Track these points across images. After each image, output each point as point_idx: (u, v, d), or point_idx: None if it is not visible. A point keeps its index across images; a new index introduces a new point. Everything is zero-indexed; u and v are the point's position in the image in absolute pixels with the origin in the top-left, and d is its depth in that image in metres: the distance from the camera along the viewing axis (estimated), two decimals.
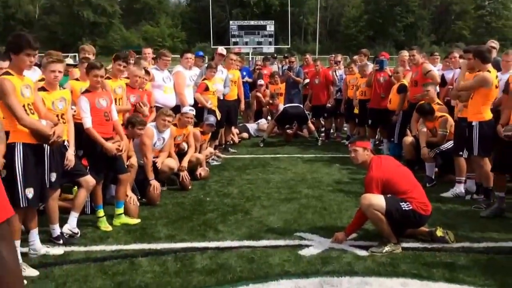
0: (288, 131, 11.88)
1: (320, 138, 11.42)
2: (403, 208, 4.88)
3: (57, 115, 5.00)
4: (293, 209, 6.31)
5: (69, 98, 5.32)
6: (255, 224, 5.74)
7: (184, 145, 7.73)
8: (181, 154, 7.60)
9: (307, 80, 12.65)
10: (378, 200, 4.87)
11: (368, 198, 4.90)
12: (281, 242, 5.14)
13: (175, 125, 7.53)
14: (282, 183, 7.64)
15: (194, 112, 7.78)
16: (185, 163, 7.39)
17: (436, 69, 9.34)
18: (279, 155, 9.99)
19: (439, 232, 5.07)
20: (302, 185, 7.55)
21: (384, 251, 4.80)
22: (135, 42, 60.23)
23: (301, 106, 11.76)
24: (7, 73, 4.36)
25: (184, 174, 7.28)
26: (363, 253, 4.83)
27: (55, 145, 4.65)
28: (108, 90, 5.95)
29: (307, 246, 5.02)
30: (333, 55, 13.06)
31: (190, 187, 7.26)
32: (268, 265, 4.57)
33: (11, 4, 67.98)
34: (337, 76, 11.88)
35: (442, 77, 8.84)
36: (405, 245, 4.97)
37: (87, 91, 5.58)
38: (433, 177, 7.46)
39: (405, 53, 10.07)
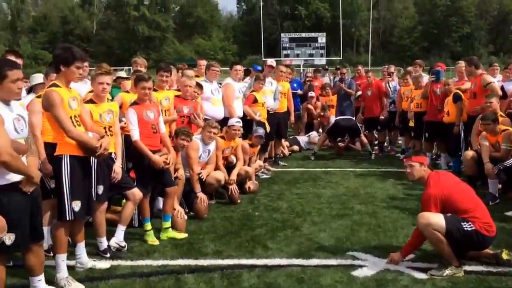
0: (339, 144, 11.57)
1: (374, 152, 11.05)
2: (465, 229, 4.52)
3: (105, 128, 4.98)
4: (345, 226, 6.04)
5: (117, 110, 5.29)
6: (305, 241, 5.51)
7: (233, 158, 7.60)
8: (229, 167, 7.46)
9: (359, 92, 12.32)
10: (437, 219, 4.54)
11: (426, 217, 4.58)
12: (332, 262, 4.89)
13: (222, 137, 7.42)
14: (333, 198, 7.36)
15: (241, 124, 7.64)
16: (233, 176, 7.25)
17: (496, 80, 8.86)
18: (330, 168, 9.70)
19: (505, 255, 4.68)
20: (354, 200, 7.25)
21: (444, 274, 4.46)
22: (187, 55, 61.34)
23: (353, 118, 11.45)
24: (54, 85, 4.35)
25: (233, 188, 7.12)
26: (421, 276, 4.50)
27: (102, 158, 4.59)
28: (155, 102, 5.90)
29: (361, 266, 4.74)
30: (386, 66, 12.69)
31: (239, 201, 7.10)
32: (319, 286, 4.33)
33: (70, 20, 71.00)
34: (390, 87, 11.51)
35: (502, 88, 8.35)
36: (467, 268, 4.61)
37: (135, 103, 5.54)
38: (496, 194, 7.00)
39: (462, 64, 9.64)
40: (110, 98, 5.78)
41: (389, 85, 11.58)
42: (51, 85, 4.40)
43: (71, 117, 4.31)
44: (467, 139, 8.46)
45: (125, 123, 5.62)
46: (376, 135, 12.10)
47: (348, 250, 5.20)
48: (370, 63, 47.21)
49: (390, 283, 4.36)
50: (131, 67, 7.75)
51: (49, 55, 52.85)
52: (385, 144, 11.90)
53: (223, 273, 4.63)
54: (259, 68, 10.81)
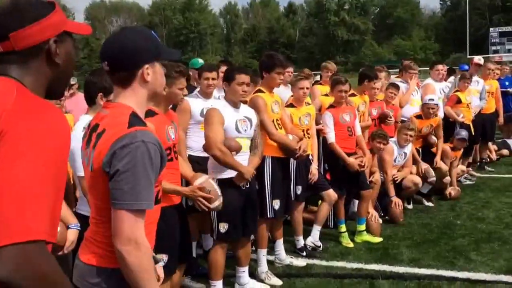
0: None
1: None
2: None
3: (303, 130, 5.15)
4: None
5: (314, 113, 5.44)
6: None
7: (434, 138, 7.28)
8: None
9: None
10: None
11: None
12: None
13: (419, 117, 7.18)
14: None
15: (435, 102, 7.23)
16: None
17: None
18: None
19: None
20: None
21: None
22: (386, 57, 60.27)
23: None
24: (259, 90, 4.65)
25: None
26: None
27: (300, 159, 4.76)
28: (352, 106, 5.91)
29: None
30: None
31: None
32: None
33: (276, 30, 75.62)
34: None
35: None
36: None
37: (331, 106, 5.63)
38: None
39: None
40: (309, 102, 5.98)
41: None
42: (256, 91, 4.71)
43: (273, 121, 4.56)
44: None
45: (323, 126, 5.74)
46: None
47: None
48: None
49: None
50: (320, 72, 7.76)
51: (256, 63, 57.09)
52: None
53: (420, 282, 4.44)
54: (466, 67, 10.11)
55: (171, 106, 3.50)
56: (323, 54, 67.97)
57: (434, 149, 7.36)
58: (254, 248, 4.82)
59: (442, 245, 5.40)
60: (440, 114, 8.10)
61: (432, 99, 7.26)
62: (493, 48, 36.87)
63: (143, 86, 1.85)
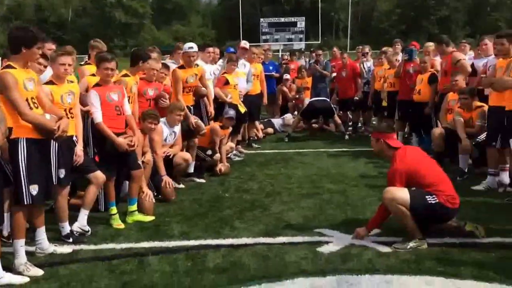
0: (314, 125, 11.56)
1: (347, 132, 11.06)
2: (429, 202, 4.53)
3: (65, 110, 4.85)
4: (314, 204, 6.03)
5: (78, 91, 5.17)
6: (273, 220, 5.48)
7: (204, 90, 7.71)
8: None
9: (334, 74, 12.31)
10: (401, 193, 4.55)
11: (391, 192, 4.58)
12: (299, 239, 4.87)
13: (181, 67, 7.48)
14: (304, 178, 7.35)
15: (195, 49, 7.54)
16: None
17: (467, 58, 8.88)
18: (303, 149, 9.69)
19: (469, 227, 4.71)
20: (325, 180, 7.24)
21: (408, 247, 4.48)
22: (165, 42, 60.62)
23: (328, 100, 11.45)
24: (9, 66, 4.22)
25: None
26: (385, 249, 4.51)
27: (60, 140, 4.48)
28: (120, 84, 5.77)
29: (327, 242, 4.74)
30: (361, 47, 12.67)
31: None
32: (284, 263, 4.31)
33: (45, 8, 69.41)
34: (365, 68, 11.51)
35: (472, 66, 8.37)
36: (431, 241, 4.62)
37: (97, 84, 5.42)
38: (465, 169, 7.05)
39: (429, 44, 9.68)
40: (76, 80, 5.67)
41: (363, 66, 11.59)
42: (5, 66, 4.27)
43: (27, 99, 4.19)
44: (435, 117, 8.50)
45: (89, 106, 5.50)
46: (350, 116, 12.12)
47: (316, 227, 5.18)
48: (349, 47, 47.13)
49: (355, 257, 4.36)
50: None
51: None
52: (359, 124, 11.93)
53: (188, 254, 4.58)
54: (232, 50, 10.70)
55: None
56: (100, 37, 65.13)
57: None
58: (11, 241, 4.41)
59: (210, 217, 5.66)
60: (211, 95, 8.48)
61: (192, 47, 7.54)
62: (264, 37, 39.64)
63: None
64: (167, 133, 6.74)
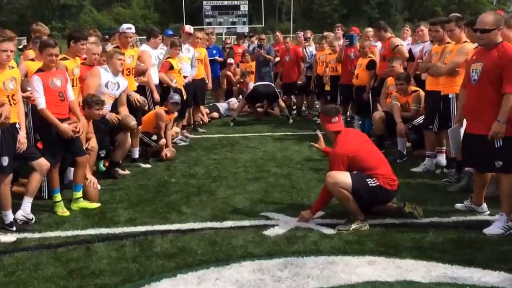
0: (258, 109, 11.67)
1: (291, 116, 11.24)
2: (370, 185, 4.73)
3: (8, 96, 4.70)
4: (260, 188, 6.14)
5: (19, 77, 5.02)
6: (220, 204, 5.55)
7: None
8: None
9: (277, 58, 12.43)
10: (343, 177, 4.71)
11: (334, 176, 4.74)
12: (245, 223, 4.97)
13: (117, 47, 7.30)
14: (250, 162, 7.45)
15: (133, 31, 7.45)
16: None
17: (406, 44, 9.21)
18: (248, 134, 9.78)
19: (408, 208, 4.95)
20: (271, 163, 7.37)
21: (351, 229, 4.67)
22: (106, 24, 58.94)
23: (272, 84, 11.57)
24: None
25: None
26: (329, 231, 4.68)
27: (3, 127, 4.36)
28: (63, 69, 5.64)
29: (273, 226, 4.85)
30: (301, 32, 12.82)
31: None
32: (231, 247, 4.39)
33: None
34: (307, 53, 11.69)
35: (410, 51, 8.69)
36: (372, 222, 4.84)
37: (40, 70, 5.27)
38: (404, 152, 7.36)
39: (369, 29, 9.95)
40: (16, 66, 5.48)
41: (306, 51, 11.76)
42: None
43: None
44: (376, 101, 8.79)
45: (31, 92, 5.34)
46: (294, 100, 12.31)
47: (262, 211, 5.30)
48: (292, 30, 47.45)
49: (300, 240, 4.50)
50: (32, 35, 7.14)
51: None
52: (303, 108, 12.14)
53: (135, 240, 4.58)
54: (171, 32, 10.55)
55: None
56: (38, 19, 62.70)
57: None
58: None
59: (158, 202, 5.67)
60: (156, 81, 8.40)
61: (131, 28, 7.47)
62: (207, 20, 39.19)
63: None
64: (108, 79, 6.43)
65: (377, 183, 4.75)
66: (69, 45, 6.12)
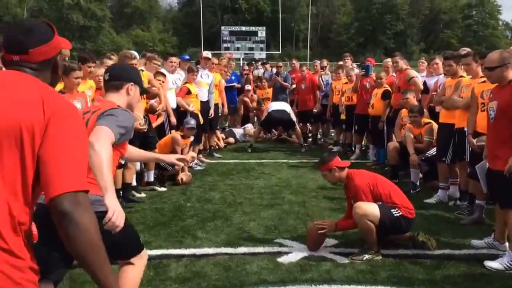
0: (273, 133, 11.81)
1: (305, 144, 11.30)
2: (395, 215, 4.77)
3: None
4: (274, 215, 6.18)
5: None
6: (234, 230, 5.60)
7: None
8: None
9: (294, 86, 12.58)
10: (372, 209, 4.70)
11: (363, 208, 4.71)
12: (260, 249, 5.01)
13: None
14: (265, 189, 7.51)
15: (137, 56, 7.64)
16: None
17: (420, 76, 9.29)
18: (264, 160, 9.87)
19: (421, 237, 4.96)
20: (285, 190, 7.43)
21: (364, 258, 4.68)
22: (125, 46, 59.94)
23: (286, 110, 11.62)
24: None
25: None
26: (343, 260, 4.70)
27: None
28: (83, 92, 5.80)
29: (287, 253, 4.89)
30: (318, 61, 12.97)
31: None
32: (245, 273, 4.43)
33: None
34: (323, 81, 11.82)
35: (424, 83, 8.77)
36: (385, 252, 4.85)
37: (61, 92, 5.43)
38: (417, 183, 7.37)
39: (388, 60, 10.06)
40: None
41: (322, 79, 11.89)
42: None
43: None
44: (391, 131, 8.84)
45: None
46: (309, 128, 12.39)
47: (276, 238, 5.33)
48: (309, 58, 47.93)
49: (313, 268, 4.53)
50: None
51: None
52: (318, 136, 12.22)
53: (150, 263, 4.59)
54: (187, 57, 10.75)
55: None
56: None
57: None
58: None
59: (173, 226, 5.73)
60: (173, 105, 8.56)
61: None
62: (225, 45, 39.70)
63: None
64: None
65: (400, 213, 4.79)
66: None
